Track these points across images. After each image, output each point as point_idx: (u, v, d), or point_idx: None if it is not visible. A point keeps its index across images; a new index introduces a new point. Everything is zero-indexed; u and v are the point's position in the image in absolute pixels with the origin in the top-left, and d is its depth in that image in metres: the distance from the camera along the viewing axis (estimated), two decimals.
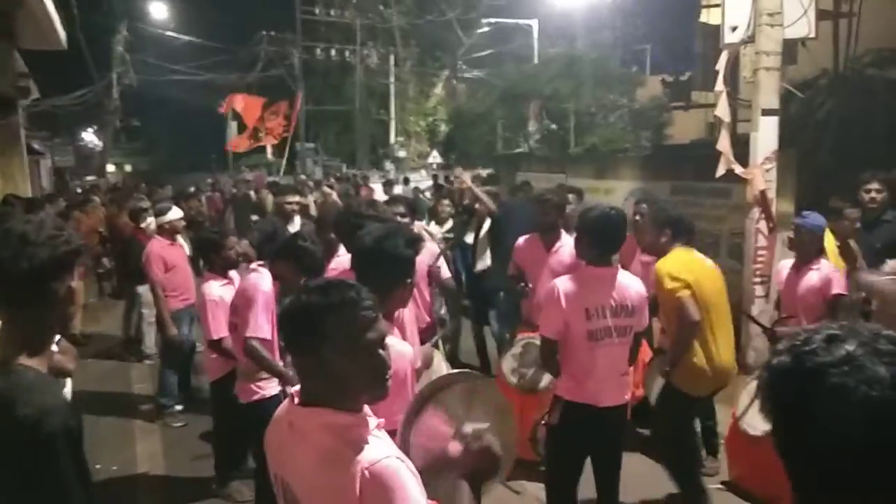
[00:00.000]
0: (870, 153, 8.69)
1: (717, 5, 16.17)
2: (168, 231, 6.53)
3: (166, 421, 6.17)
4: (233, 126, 31.30)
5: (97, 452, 5.32)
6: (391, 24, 28.07)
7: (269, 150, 28.25)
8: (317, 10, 28.32)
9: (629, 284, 3.53)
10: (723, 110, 6.75)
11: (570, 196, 6.22)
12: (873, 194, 5.23)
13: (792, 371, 0.97)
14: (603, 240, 3.51)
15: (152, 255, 6.24)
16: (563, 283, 3.47)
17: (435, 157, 24.51)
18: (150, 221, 7.34)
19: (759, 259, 6.72)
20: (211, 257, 4.83)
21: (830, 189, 7.65)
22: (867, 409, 0.90)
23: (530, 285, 5.25)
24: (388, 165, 28.62)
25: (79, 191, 18.37)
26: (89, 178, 25.26)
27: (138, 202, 8.41)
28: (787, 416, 0.98)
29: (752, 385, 4.48)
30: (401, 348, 2.36)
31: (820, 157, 9.51)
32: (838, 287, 4.46)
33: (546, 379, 4.61)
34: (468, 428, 1.73)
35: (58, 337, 1.91)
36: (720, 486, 4.79)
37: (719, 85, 6.76)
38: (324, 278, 1.79)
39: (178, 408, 6.31)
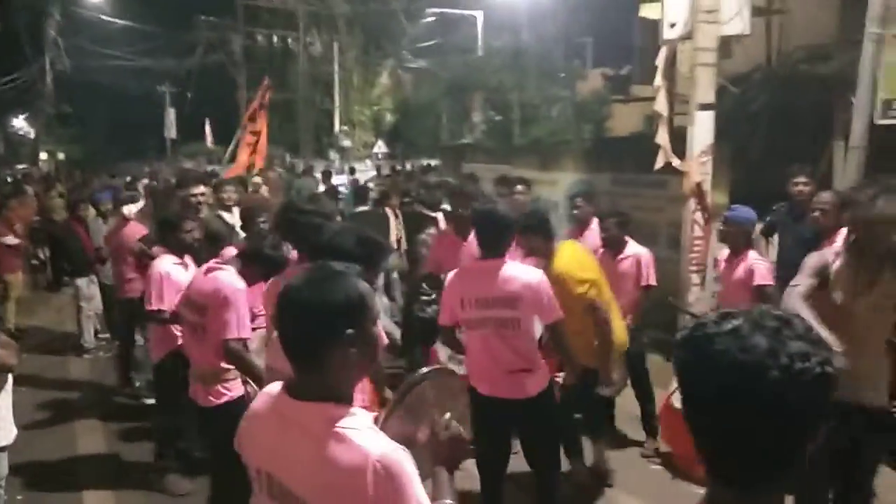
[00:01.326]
0: (799, 147, 9.10)
1: (656, 1, 16.60)
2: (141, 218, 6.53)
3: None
4: (171, 113, 30.54)
5: (38, 445, 5.24)
6: (335, 13, 27.75)
7: (209, 137, 27.67)
8: None
9: (515, 276, 3.48)
10: (661, 105, 6.96)
11: (521, 187, 6.32)
12: (801, 187, 5.49)
13: (687, 340, 1.13)
14: (485, 234, 3.60)
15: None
16: (451, 275, 3.67)
17: (380, 147, 24.46)
18: (91, 211, 7.22)
19: (696, 249, 6.96)
20: (168, 237, 4.82)
21: (761, 182, 8.00)
22: (736, 370, 1.05)
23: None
24: (333, 155, 28.39)
25: (9, 180, 17.67)
26: (20, 166, 24.30)
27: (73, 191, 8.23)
28: (681, 380, 1.14)
29: None
30: None
31: (752, 151, 9.89)
32: (761, 278, 4.63)
33: None
34: (438, 420, 1.79)
35: None
36: (659, 465, 5.03)
37: (658, 80, 6.96)
38: (320, 266, 1.71)
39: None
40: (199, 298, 3.77)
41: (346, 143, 28.02)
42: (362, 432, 1.56)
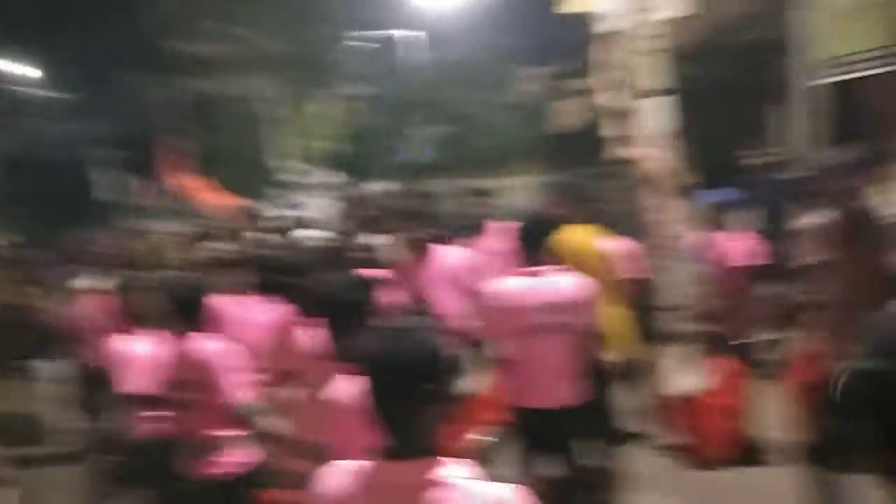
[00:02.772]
0: (736, 120, 9.26)
1: None
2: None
3: None
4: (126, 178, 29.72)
5: None
6: (267, 52, 27.44)
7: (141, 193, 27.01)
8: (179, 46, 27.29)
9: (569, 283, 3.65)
10: (605, 97, 7.00)
11: (481, 197, 6.30)
12: (762, 156, 5.58)
13: None
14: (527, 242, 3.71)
15: None
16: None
17: (327, 177, 24.25)
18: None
19: (657, 234, 7.01)
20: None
21: (717, 160, 8.11)
22: None
23: None
24: (275, 193, 27.97)
25: None
26: None
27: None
28: None
29: (673, 353, 4.82)
30: None
31: (703, 130, 9.99)
32: (760, 257, 4.70)
33: None
34: None
35: None
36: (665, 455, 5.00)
37: (600, 72, 7.00)
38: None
39: None
40: (191, 374, 3.64)
41: (299, 178, 27.70)
42: (469, 480, 1.58)
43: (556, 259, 4.16)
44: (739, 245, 4.81)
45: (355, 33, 24.26)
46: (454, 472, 1.59)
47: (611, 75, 7.01)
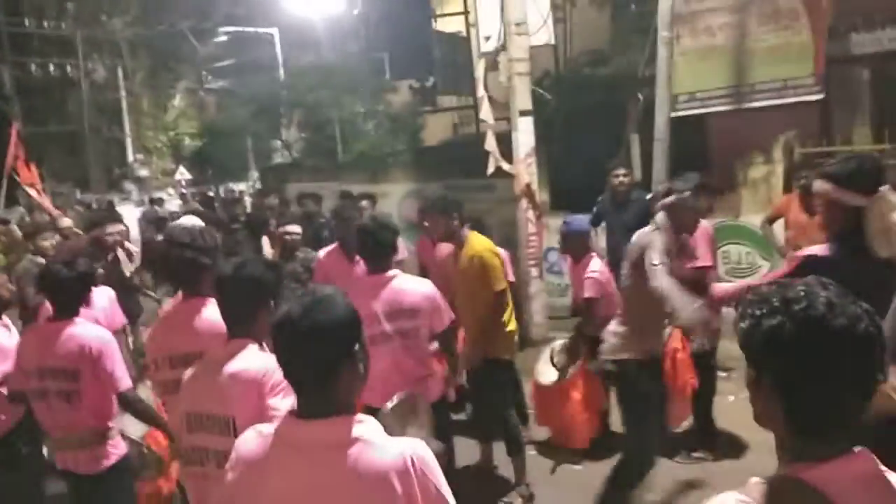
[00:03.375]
0: (592, 145, 10.03)
1: (450, 14, 17.38)
2: None
3: None
4: None
5: None
6: (117, 36, 25.90)
7: None
8: (26, 22, 25.22)
9: (406, 289, 3.61)
10: (486, 113, 7.37)
11: (364, 202, 6.38)
12: (620, 178, 6.10)
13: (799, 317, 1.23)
14: (365, 250, 3.74)
15: None
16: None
17: (183, 174, 23.20)
18: None
19: (532, 244, 7.45)
20: None
21: (565, 180, 8.73)
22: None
23: None
24: (129, 186, 26.43)
25: None
26: None
27: None
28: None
29: (546, 352, 5.15)
30: None
31: (551, 152, 10.69)
32: (590, 291, 4.96)
33: None
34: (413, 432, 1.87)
35: None
36: (533, 451, 5.31)
37: (480, 90, 7.37)
38: (309, 291, 1.74)
39: None
40: (63, 364, 3.40)
41: (144, 172, 26.34)
42: (381, 435, 1.63)
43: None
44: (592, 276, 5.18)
45: (209, 27, 23.56)
46: (367, 429, 1.63)
47: (492, 93, 7.42)
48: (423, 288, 3.67)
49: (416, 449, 1.62)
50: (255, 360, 2.31)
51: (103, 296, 4.61)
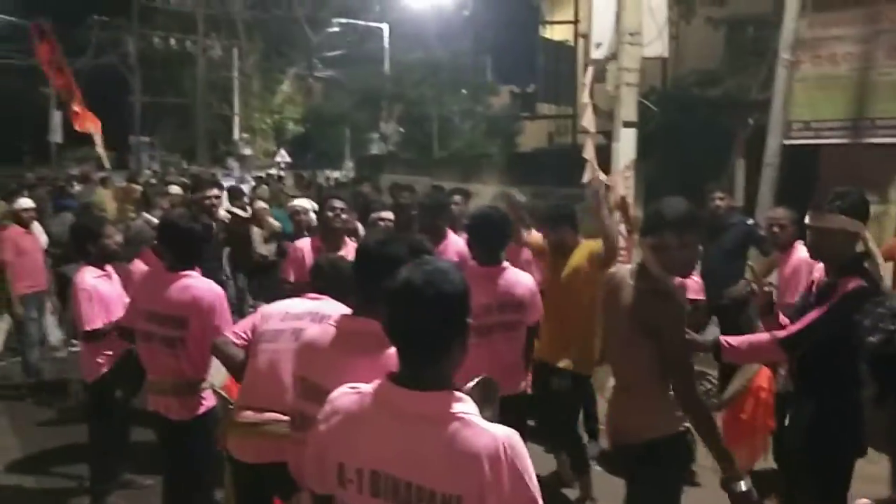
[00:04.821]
0: (693, 164, 9.77)
1: (559, 22, 17.28)
2: (21, 219, 6.80)
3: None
4: (56, 115, 28.68)
5: None
6: (235, 17, 27.04)
7: (99, 143, 26.20)
8: None
9: (517, 281, 3.73)
10: (589, 121, 7.26)
11: (458, 197, 6.43)
12: (717, 202, 5.91)
13: None
14: (483, 241, 3.78)
15: (6, 240, 6.61)
16: None
17: (283, 157, 23.99)
18: None
19: (620, 258, 7.30)
20: (86, 247, 4.50)
21: (657, 198, 8.49)
22: None
23: None
24: (232, 163, 27.53)
25: None
26: None
27: None
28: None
29: None
30: None
31: (649, 167, 10.50)
32: (693, 292, 4.91)
33: None
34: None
35: None
36: (597, 466, 5.22)
37: (585, 97, 7.27)
38: (426, 260, 1.74)
39: None
40: (174, 311, 3.56)
41: (247, 151, 27.29)
42: (479, 417, 1.62)
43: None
44: (694, 281, 5.07)
45: (323, 16, 24.26)
46: (467, 408, 1.62)
47: (596, 102, 7.31)
48: (529, 282, 3.76)
49: (510, 437, 1.61)
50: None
51: None
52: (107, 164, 12.07)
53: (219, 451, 3.50)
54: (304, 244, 4.86)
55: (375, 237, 2.53)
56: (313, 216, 5.68)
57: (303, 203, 6.05)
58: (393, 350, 1.74)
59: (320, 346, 2.36)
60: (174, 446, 3.73)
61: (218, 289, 3.62)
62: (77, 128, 11.01)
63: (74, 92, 10.89)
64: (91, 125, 10.99)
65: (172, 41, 26.88)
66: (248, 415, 2.96)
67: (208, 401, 3.68)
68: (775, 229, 4.89)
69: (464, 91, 16.20)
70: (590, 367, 4.61)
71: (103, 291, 4.32)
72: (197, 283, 3.58)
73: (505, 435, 1.60)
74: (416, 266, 1.69)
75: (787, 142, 6.63)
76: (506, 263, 3.79)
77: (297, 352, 2.48)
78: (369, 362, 2.10)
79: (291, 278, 4.69)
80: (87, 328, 4.25)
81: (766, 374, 4.47)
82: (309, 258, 4.49)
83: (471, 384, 1.97)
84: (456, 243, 5.19)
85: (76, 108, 10.81)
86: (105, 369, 4.35)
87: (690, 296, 4.88)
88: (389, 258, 2.21)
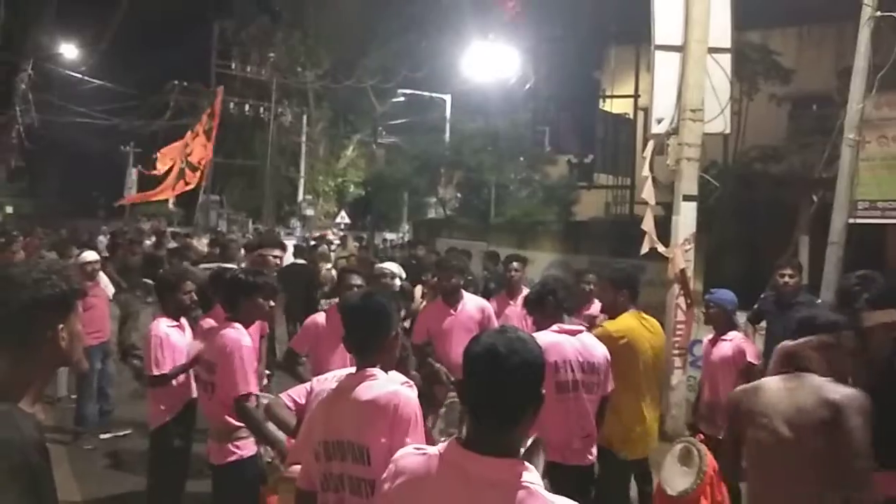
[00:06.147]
0: (754, 240, 9.63)
1: (620, 96, 17.50)
2: (86, 272, 6.91)
3: (82, 445, 6.58)
4: (133, 172, 30.24)
5: None
6: (306, 86, 28.29)
7: (171, 199, 27.43)
8: (233, 65, 28.22)
9: (597, 344, 3.89)
10: (648, 193, 7.33)
11: (516, 263, 6.55)
12: (787, 278, 5.81)
13: None
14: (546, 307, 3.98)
15: None
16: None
17: (343, 218, 24.62)
18: None
19: (678, 333, 7.22)
20: (165, 297, 4.76)
21: (718, 272, 8.41)
22: None
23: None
24: (295, 223, 28.36)
25: None
26: None
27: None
28: None
29: (676, 448, 4.86)
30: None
31: (710, 242, 10.42)
32: (753, 357, 4.96)
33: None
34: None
35: None
36: None
37: (646, 170, 7.35)
38: (506, 328, 1.77)
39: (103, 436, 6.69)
40: (209, 356, 3.81)
41: (309, 212, 28.11)
42: (542, 488, 1.64)
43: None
44: (751, 345, 5.04)
45: (389, 87, 25.16)
46: (534, 478, 1.63)
47: (656, 174, 7.38)
48: (603, 348, 3.90)
49: None
50: (388, 387, 2.37)
51: None
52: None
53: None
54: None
55: (356, 295, 2.75)
56: (398, 282, 5.84)
57: (390, 267, 6.19)
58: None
59: (334, 405, 2.47)
60: (214, 489, 3.89)
61: (243, 337, 3.74)
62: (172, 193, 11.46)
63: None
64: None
65: (247, 107, 28.20)
66: (296, 469, 3.05)
67: (242, 449, 3.80)
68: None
69: (521, 159, 16.44)
70: (639, 451, 4.60)
71: (174, 341, 4.52)
72: (229, 331, 3.75)
73: None
74: (498, 333, 1.72)
75: (852, 220, 6.53)
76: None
77: (314, 418, 2.55)
78: (382, 406, 2.29)
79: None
80: (154, 372, 4.43)
81: None
82: None
83: (527, 444, 2.01)
84: (474, 302, 5.39)
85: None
86: (168, 417, 4.52)
87: (750, 358, 4.91)
88: (374, 310, 2.47)
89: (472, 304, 5.47)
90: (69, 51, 22.19)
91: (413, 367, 5.58)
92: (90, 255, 7.29)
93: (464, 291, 5.53)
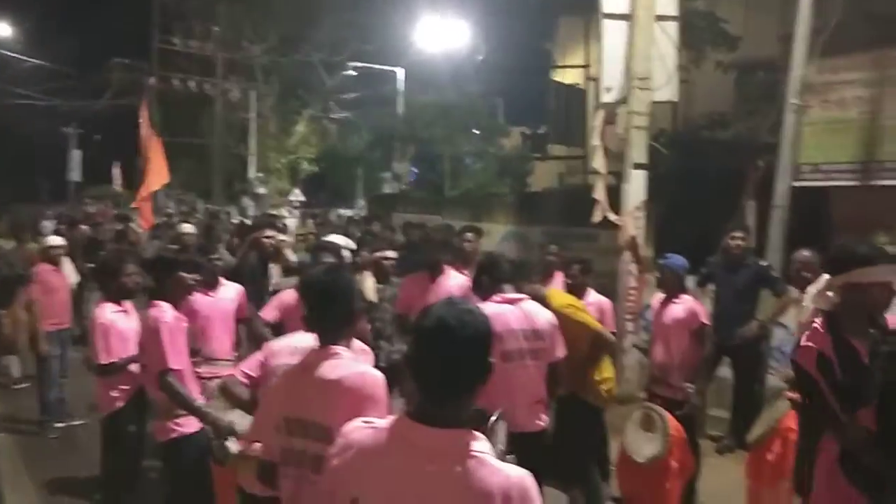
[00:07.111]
0: (703, 206, 9.78)
1: (570, 66, 17.54)
2: (49, 257, 6.84)
3: (47, 434, 6.47)
4: (76, 155, 29.21)
5: None
6: (254, 61, 27.60)
7: (117, 181, 26.68)
8: (175, 41, 27.33)
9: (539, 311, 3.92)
10: (599, 163, 7.39)
11: (470, 234, 6.53)
12: (738, 241, 5.96)
13: None
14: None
15: (36, 278, 6.58)
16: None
17: (297, 195, 24.25)
18: None
19: (630, 298, 7.35)
20: (107, 282, 4.61)
21: (668, 238, 8.57)
22: None
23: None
24: (247, 202, 27.81)
25: None
26: None
27: None
28: None
29: (635, 415, 4.94)
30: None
31: (659, 209, 10.56)
32: (705, 317, 5.09)
33: None
34: None
35: None
36: None
37: (596, 139, 7.40)
38: (455, 300, 1.76)
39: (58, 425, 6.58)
40: (140, 337, 3.94)
41: (262, 190, 27.56)
42: (493, 457, 1.64)
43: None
44: (702, 307, 5.16)
45: (339, 60, 24.74)
46: (484, 447, 1.63)
47: (607, 143, 7.44)
48: (549, 314, 3.91)
49: (523, 478, 1.63)
50: (354, 368, 2.37)
51: (232, 289, 5.09)
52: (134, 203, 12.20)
53: (204, 480, 3.63)
54: None
55: (318, 272, 2.69)
56: (347, 254, 5.81)
57: (335, 239, 6.13)
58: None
59: (296, 382, 2.46)
60: (162, 467, 3.99)
61: (165, 316, 3.78)
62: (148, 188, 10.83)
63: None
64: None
65: (192, 83, 27.39)
66: (258, 447, 3.02)
67: (182, 427, 3.83)
68: (805, 273, 4.97)
69: (475, 132, 16.40)
70: (599, 398, 4.74)
71: (121, 327, 4.39)
72: (151, 311, 3.83)
73: (518, 476, 1.63)
74: (447, 305, 1.71)
75: (796, 184, 6.69)
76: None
77: (273, 392, 2.57)
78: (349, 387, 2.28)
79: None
80: (101, 361, 4.33)
81: (794, 415, 4.43)
82: None
83: (492, 420, 2.01)
84: (456, 279, 5.38)
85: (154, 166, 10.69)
86: (120, 403, 4.42)
87: (703, 319, 5.03)
88: (343, 287, 2.49)
89: (454, 279, 5.46)
90: (2, 28, 21.24)
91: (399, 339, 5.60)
92: (55, 240, 7.19)
93: (450, 269, 5.55)
